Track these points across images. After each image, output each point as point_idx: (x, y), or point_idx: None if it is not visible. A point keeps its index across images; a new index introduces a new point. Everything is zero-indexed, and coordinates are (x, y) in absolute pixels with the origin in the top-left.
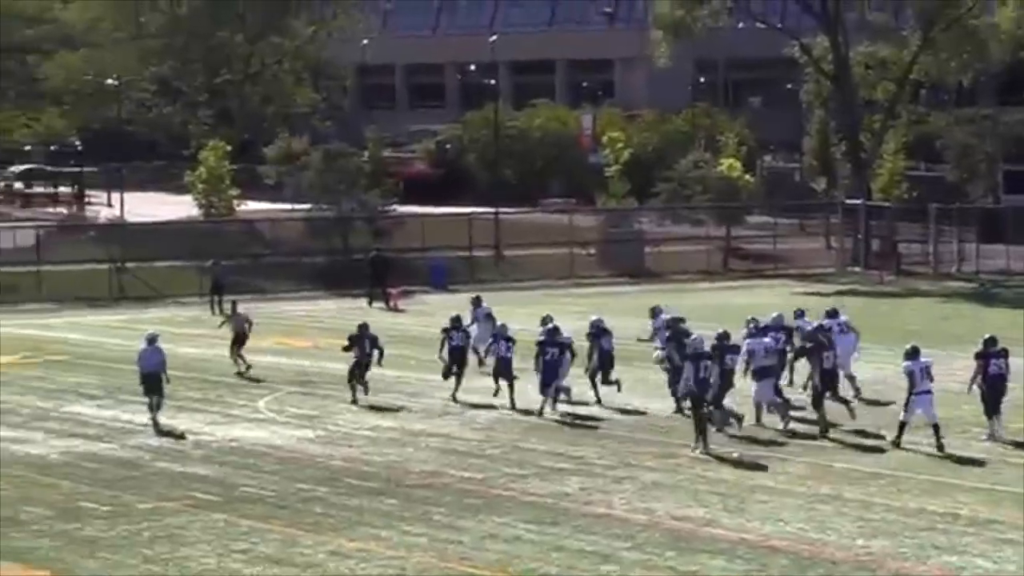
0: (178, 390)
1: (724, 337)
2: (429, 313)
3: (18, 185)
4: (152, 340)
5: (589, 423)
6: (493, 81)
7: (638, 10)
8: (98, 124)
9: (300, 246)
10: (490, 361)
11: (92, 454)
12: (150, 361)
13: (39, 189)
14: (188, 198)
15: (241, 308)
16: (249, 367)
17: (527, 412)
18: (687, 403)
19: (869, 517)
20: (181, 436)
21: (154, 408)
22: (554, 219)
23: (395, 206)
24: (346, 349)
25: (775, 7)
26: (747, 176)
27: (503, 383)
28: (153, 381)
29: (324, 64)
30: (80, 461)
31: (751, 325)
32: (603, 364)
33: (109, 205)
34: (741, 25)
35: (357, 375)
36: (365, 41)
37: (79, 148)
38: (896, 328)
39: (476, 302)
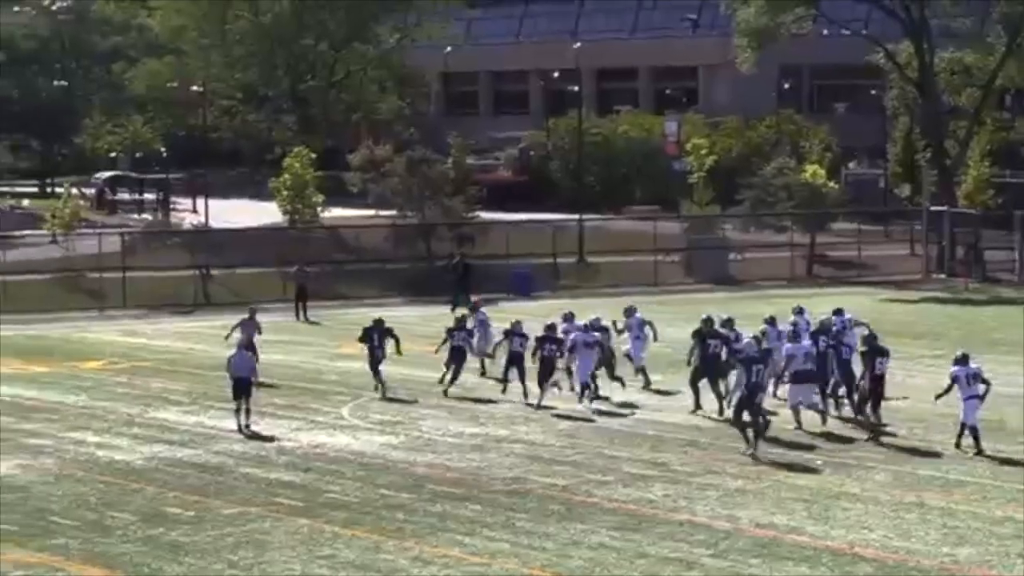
0: (262, 396)
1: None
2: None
3: (105, 192)
4: (245, 346)
5: (673, 430)
6: (577, 88)
7: (722, 17)
8: (183, 131)
9: (383, 253)
10: (499, 362)
11: (177, 459)
12: (242, 365)
13: (124, 195)
14: (272, 205)
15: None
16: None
17: (608, 414)
18: (730, 406)
19: (954, 525)
20: (267, 441)
21: (241, 412)
22: (638, 226)
23: (478, 213)
24: (360, 340)
25: (860, 13)
26: (831, 183)
27: (514, 377)
28: (243, 385)
29: (408, 71)
30: (165, 466)
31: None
32: (606, 361)
33: (194, 211)
34: (826, 32)
35: (373, 369)
36: (449, 48)
37: (164, 155)
38: (979, 335)
39: (473, 308)
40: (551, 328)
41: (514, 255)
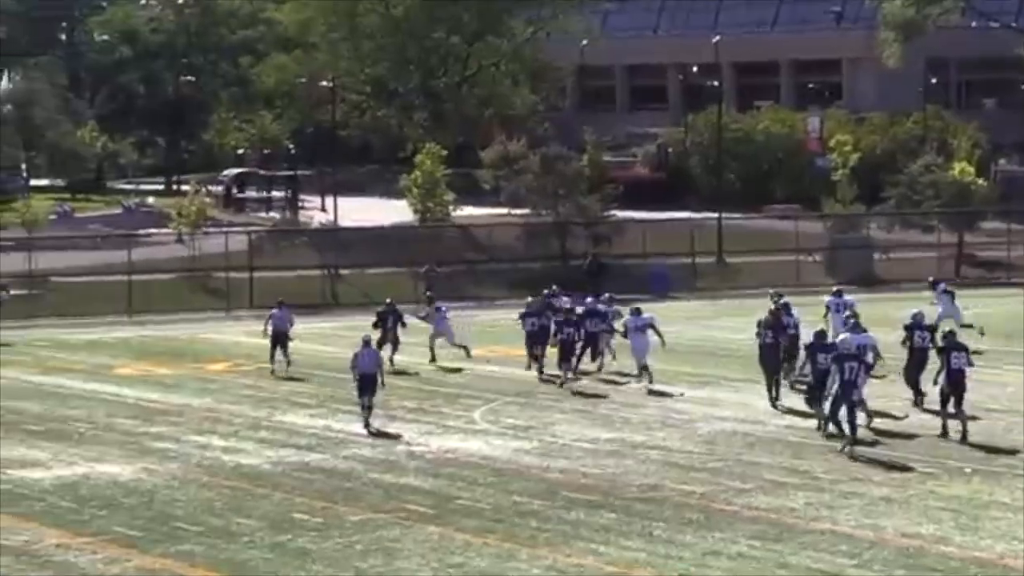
0: (391, 399)
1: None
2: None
3: (232, 189)
4: (368, 342)
5: (815, 435)
6: (716, 83)
7: (866, 9)
8: (311, 127)
9: (516, 252)
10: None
11: (304, 464)
12: (367, 362)
13: (252, 193)
14: (403, 203)
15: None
16: (289, 363)
17: (753, 422)
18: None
19: None
20: (396, 445)
21: (366, 408)
22: (779, 225)
23: (614, 211)
24: (375, 326)
25: (1010, 5)
26: (980, 180)
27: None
28: (368, 382)
29: (542, 66)
30: (292, 471)
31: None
32: (585, 345)
33: (322, 210)
34: (974, 24)
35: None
36: (584, 42)
37: (292, 151)
38: None
39: None
40: (569, 311)
41: (651, 254)
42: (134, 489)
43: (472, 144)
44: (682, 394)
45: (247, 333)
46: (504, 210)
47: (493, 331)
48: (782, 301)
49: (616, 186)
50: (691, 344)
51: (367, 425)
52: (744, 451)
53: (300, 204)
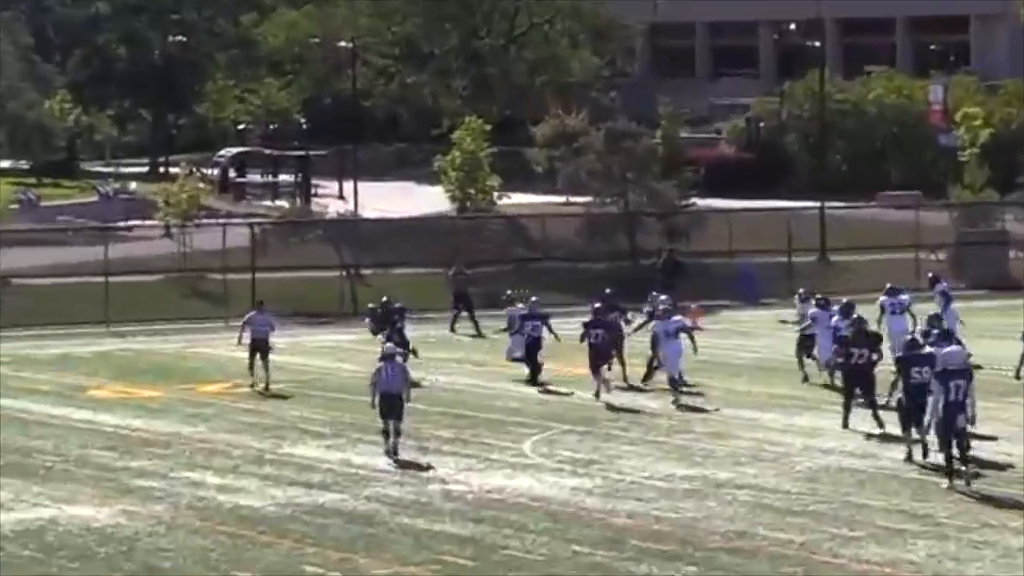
0: (424, 427)
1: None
2: (740, 333)
3: (230, 172)
4: (392, 355)
5: (939, 474)
6: (818, 44)
7: None
8: (327, 97)
9: (575, 249)
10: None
11: (318, 506)
12: (390, 379)
13: (255, 177)
14: (438, 189)
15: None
16: (267, 384)
17: (861, 456)
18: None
19: None
20: (429, 483)
21: (391, 434)
22: (894, 216)
23: (694, 199)
24: (374, 332)
25: None
26: None
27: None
28: (392, 402)
29: (606, 23)
30: (303, 515)
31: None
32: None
33: (340, 197)
34: None
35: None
36: None
37: (304, 127)
38: None
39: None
40: (599, 311)
41: (737, 252)
42: (111, 536)
43: (522, 118)
44: (717, 409)
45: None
46: (560, 198)
47: (549, 344)
48: (818, 298)
49: (696, 169)
50: (786, 361)
51: (394, 453)
52: (852, 491)
53: (313, 190)
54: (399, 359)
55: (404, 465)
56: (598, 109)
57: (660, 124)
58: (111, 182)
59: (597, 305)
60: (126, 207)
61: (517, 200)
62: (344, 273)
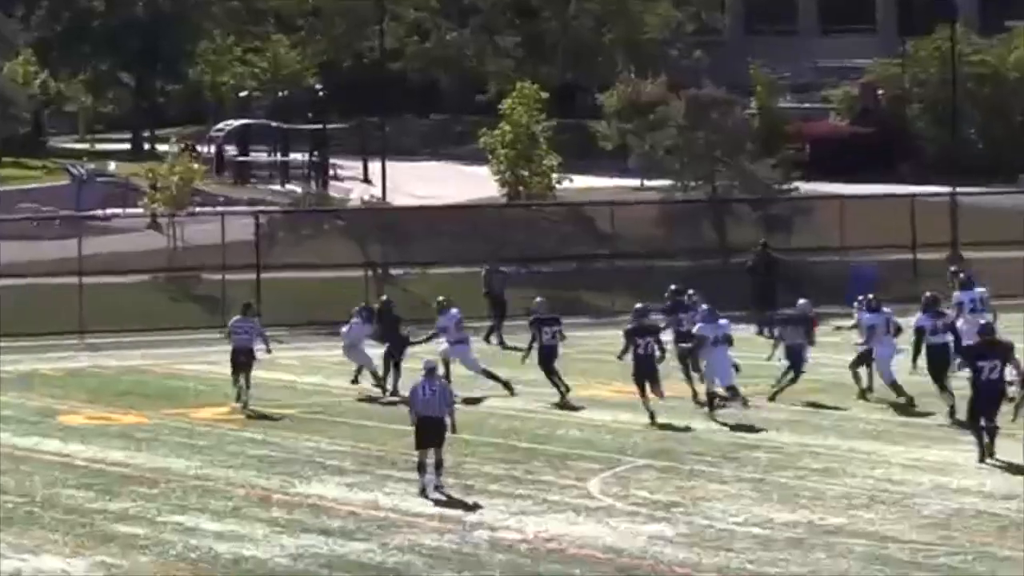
0: (468, 462)
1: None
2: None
3: (230, 150)
4: (432, 369)
5: None
6: None
7: None
8: (348, 59)
9: (652, 243)
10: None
11: (337, 558)
12: (431, 399)
13: (260, 156)
14: (483, 170)
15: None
16: (246, 404)
17: (1004, 498)
18: None
19: None
20: (474, 530)
21: (431, 471)
22: None
23: (797, 183)
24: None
25: None
26: None
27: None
28: (432, 428)
29: None
30: (319, 568)
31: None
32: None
33: (365, 180)
34: None
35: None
36: None
37: (320, 94)
38: None
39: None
40: (641, 313)
41: (851, 247)
42: None
43: (586, 83)
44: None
45: (230, 358)
46: (634, 181)
47: (616, 361)
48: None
49: (800, 146)
50: (910, 381)
51: (432, 490)
52: (992, 538)
53: (332, 172)
54: (440, 375)
55: (443, 506)
56: (679, 73)
57: (755, 91)
58: (85, 162)
59: (639, 306)
60: (104, 192)
61: (580, 184)
62: (369, 273)
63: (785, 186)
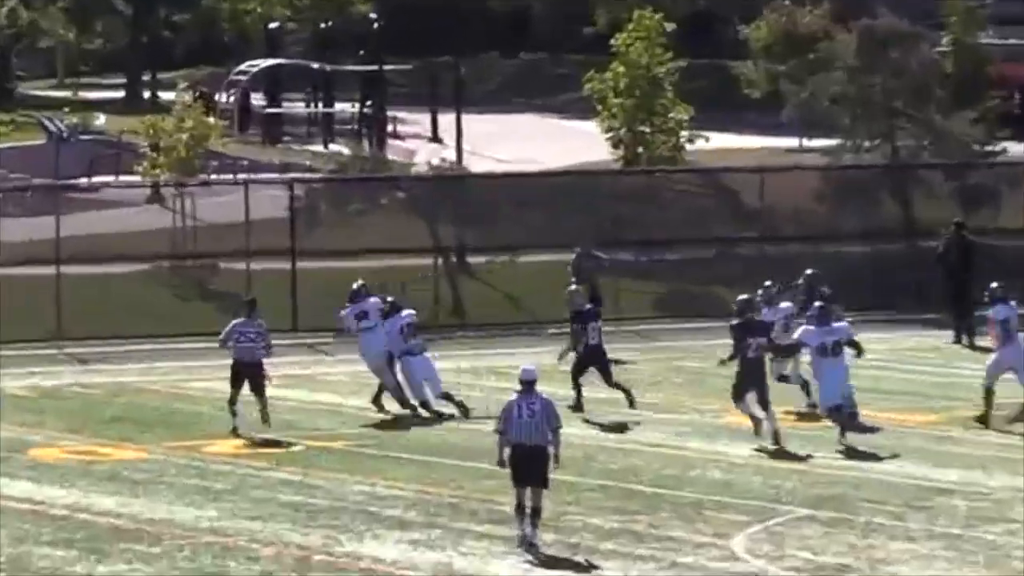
0: (571, 511)
1: None
2: None
3: (255, 100)
4: (531, 382)
5: None
6: None
7: None
8: None
9: (813, 222)
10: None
11: None
12: (529, 422)
13: (296, 107)
14: (591, 126)
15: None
16: (266, 420)
17: None
18: None
19: None
20: None
21: (528, 518)
22: None
23: (1003, 143)
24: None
25: None
26: None
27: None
28: (529, 460)
29: None
30: None
31: None
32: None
33: (434, 139)
34: None
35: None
36: None
37: (376, 25)
38: None
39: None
40: (747, 304)
41: None
42: None
43: (725, 13)
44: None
45: (283, 380)
46: (790, 140)
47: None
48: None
49: (1008, 94)
50: None
51: (530, 545)
52: None
53: (391, 128)
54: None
55: (542, 566)
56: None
57: (947, 23)
58: (66, 114)
59: (744, 297)
60: (90, 154)
61: (719, 144)
62: (440, 260)
63: (988, 147)
